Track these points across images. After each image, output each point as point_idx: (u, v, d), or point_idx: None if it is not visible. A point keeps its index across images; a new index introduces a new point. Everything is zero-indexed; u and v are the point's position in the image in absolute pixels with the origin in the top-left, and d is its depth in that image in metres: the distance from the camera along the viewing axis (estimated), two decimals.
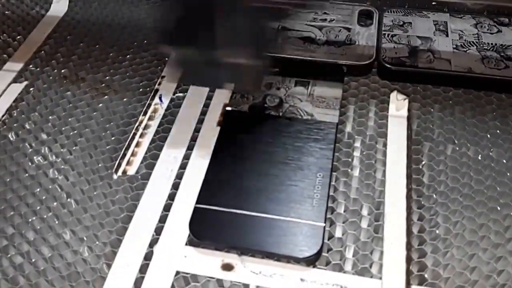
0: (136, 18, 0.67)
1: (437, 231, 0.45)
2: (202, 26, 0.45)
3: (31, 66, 0.61)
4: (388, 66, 0.57)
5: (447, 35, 0.60)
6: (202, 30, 0.45)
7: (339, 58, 0.58)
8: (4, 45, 0.64)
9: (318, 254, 0.43)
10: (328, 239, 0.45)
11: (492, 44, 0.59)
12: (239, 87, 0.53)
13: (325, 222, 0.45)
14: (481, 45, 0.59)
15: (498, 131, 0.52)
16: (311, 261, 0.43)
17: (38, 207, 0.48)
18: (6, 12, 0.69)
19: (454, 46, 0.59)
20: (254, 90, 0.55)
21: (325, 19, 0.63)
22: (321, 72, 0.57)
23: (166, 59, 0.58)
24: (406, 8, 0.64)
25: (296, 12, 0.61)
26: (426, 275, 0.43)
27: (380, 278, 0.43)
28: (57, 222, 0.47)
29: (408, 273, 0.43)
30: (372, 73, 0.58)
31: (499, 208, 0.46)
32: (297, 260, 0.43)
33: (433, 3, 0.64)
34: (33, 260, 0.44)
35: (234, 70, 0.47)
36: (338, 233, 0.45)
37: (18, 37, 0.65)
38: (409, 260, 0.43)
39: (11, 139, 0.53)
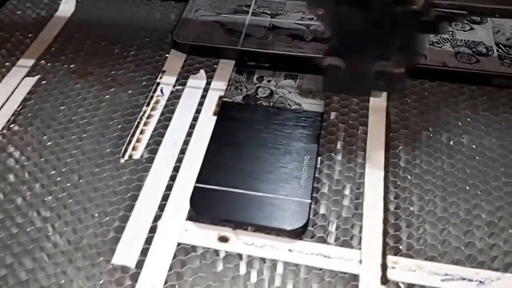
0: (139, 17, 0.71)
1: (411, 208, 0.50)
2: (362, 37, 0.48)
3: (42, 61, 0.65)
4: None
5: (436, 35, 0.64)
6: (363, 41, 0.48)
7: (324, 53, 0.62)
8: (17, 42, 0.68)
9: (304, 227, 0.48)
10: (314, 216, 0.49)
11: (465, 40, 0.63)
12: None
13: (311, 199, 0.49)
14: (455, 42, 0.63)
15: (469, 119, 0.57)
16: (298, 233, 0.48)
17: (53, 188, 0.52)
18: (18, 12, 0.73)
19: (430, 43, 0.63)
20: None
21: (312, 18, 0.67)
22: (308, 66, 0.61)
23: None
24: None
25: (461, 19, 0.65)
26: (401, 247, 0.47)
27: (360, 249, 0.47)
28: (70, 201, 0.51)
29: (385, 244, 0.47)
30: None
31: (467, 188, 0.51)
32: (285, 232, 0.48)
33: None
34: (49, 234, 0.49)
35: (386, 78, 0.50)
36: (322, 210, 0.50)
37: (30, 35, 0.69)
38: (385, 233, 0.48)
39: (26, 127, 0.58)
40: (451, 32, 0.64)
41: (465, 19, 0.66)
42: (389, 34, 0.47)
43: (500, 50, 0.63)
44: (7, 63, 0.65)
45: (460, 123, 0.56)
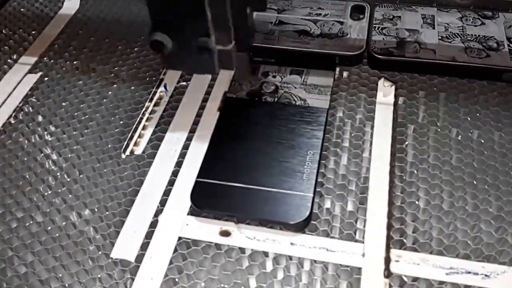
0: (143, 14, 0.71)
1: (417, 202, 0.49)
2: (193, 13, 0.46)
3: (45, 58, 0.65)
4: (377, 56, 0.60)
5: (433, 28, 0.63)
6: (193, 17, 0.46)
7: (331, 49, 0.61)
8: (20, 39, 0.68)
9: (307, 221, 0.47)
10: (318, 209, 0.48)
11: (475, 35, 0.62)
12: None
13: (314, 194, 0.48)
14: (465, 37, 0.62)
15: (478, 114, 0.56)
16: (301, 227, 0.47)
17: (53, 183, 0.52)
18: (22, 9, 0.72)
19: (440, 38, 0.62)
20: (243, 76, 0.58)
21: (320, 14, 0.66)
22: (315, 62, 0.60)
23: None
24: (397, 3, 0.67)
25: None
26: (405, 240, 0.46)
27: (363, 243, 0.46)
28: (70, 195, 0.50)
29: (389, 238, 0.46)
30: (363, 63, 0.61)
31: (475, 182, 0.50)
32: (288, 226, 0.47)
33: None
34: (49, 228, 0.48)
35: (210, 55, 0.48)
36: (327, 204, 0.49)
37: (33, 32, 0.69)
38: (389, 227, 0.47)
39: (28, 123, 0.57)
40: (461, 27, 0.63)
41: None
42: (202, 9, 0.45)
43: (511, 45, 0.61)
44: (9, 60, 0.65)
45: (469, 118, 0.55)
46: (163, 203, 0.49)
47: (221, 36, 0.46)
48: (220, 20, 0.45)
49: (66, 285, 0.45)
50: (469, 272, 0.44)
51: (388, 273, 0.44)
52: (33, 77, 0.62)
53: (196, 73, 0.59)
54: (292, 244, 0.46)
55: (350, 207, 0.49)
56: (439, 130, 0.54)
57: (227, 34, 0.46)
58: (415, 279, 0.44)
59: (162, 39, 0.46)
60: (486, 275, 0.44)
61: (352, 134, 0.54)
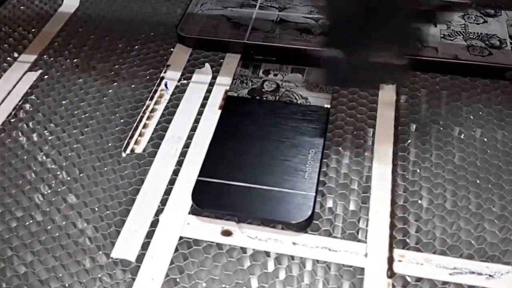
0: (143, 11, 0.71)
1: (420, 202, 0.48)
2: (359, 28, 0.46)
3: (45, 56, 0.64)
4: None
5: (435, 26, 0.63)
6: (359, 32, 0.46)
7: None
8: (20, 37, 0.67)
9: (309, 220, 0.46)
10: (320, 209, 0.48)
11: (478, 33, 0.62)
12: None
13: (316, 193, 0.48)
14: (467, 34, 0.62)
15: (481, 113, 0.55)
16: (303, 226, 0.47)
17: (53, 182, 0.51)
18: (21, 7, 0.72)
19: (442, 36, 0.62)
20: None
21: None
22: (317, 60, 0.59)
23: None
24: None
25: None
26: (408, 240, 0.46)
27: (366, 242, 0.46)
28: (70, 194, 0.50)
29: (392, 237, 0.46)
30: None
31: (478, 182, 0.49)
32: (289, 226, 0.47)
33: None
34: (48, 227, 0.48)
35: (385, 69, 0.48)
36: (328, 203, 0.49)
37: (33, 30, 0.68)
38: (392, 226, 0.47)
39: (28, 122, 0.57)
40: (463, 25, 0.63)
41: (467, 10, 0.65)
42: (388, 24, 0.46)
43: None
44: (9, 58, 0.64)
45: (472, 117, 0.55)
46: (164, 202, 0.49)
47: (395, 50, 0.47)
48: (398, 34, 0.46)
49: (66, 285, 0.44)
50: (473, 272, 0.43)
51: (391, 273, 0.43)
52: (33, 75, 0.62)
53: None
54: (294, 244, 0.46)
55: (352, 206, 0.48)
56: (441, 128, 0.54)
57: (402, 48, 0.47)
58: (419, 279, 0.43)
59: (336, 54, 0.47)
60: (490, 275, 0.43)
61: (354, 133, 0.54)
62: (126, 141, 0.54)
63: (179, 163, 0.52)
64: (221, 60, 0.63)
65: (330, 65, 0.49)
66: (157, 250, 0.46)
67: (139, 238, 0.47)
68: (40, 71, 0.62)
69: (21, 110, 0.58)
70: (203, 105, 0.57)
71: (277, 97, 0.57)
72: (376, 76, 0.49)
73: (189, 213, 0.48)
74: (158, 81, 0.60)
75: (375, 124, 0.55)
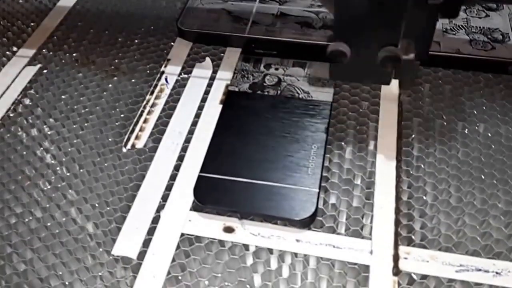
0: (143, 5, 0.70)
1: (425, 198, 0.48)
2: (368, 21, 0.45)
3: (44, 50, 0.64)
4: None
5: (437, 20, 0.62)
6: (369, 25, 0.45)
7: None
8: (19, 31, 0.67)
9: (312, 217, 0.46)
10: (323, 205, 0.47)
11: (480, 27, 0.62)
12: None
13: (319, 189, 0.47)
14: (470, 29, 0.61)
15: (484, 108, 0.55)
16: (306, 223, 0.46)
17: (53, 178, 0.51)
18: (20, 1, 0.71)
19: (444, 30, 0.61)
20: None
21: (322, 5, 0.65)
22: (317, 54, 0.59)
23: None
24: None
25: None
26: (413, 237, 0.45)
27: (370, 239, 0.45)
28: (70, 190, 0.50)
29: (397, 234, 0.45)
30: None
31: (483, 177, 0.49)
32: (293, 222, 0.46)
33: None
34: (48, 224, 0.47)
35: (394, 64, 0.47)
36: (332, 199, 0.48)
37: (32, 24, 0.68)
38: (397, 223, 0.46)
39: (27, 117, 0.56)
40: (465, 19, 0.62)
41: (477, 3, 0.64)
42: (396, 18, 0.45)
43: None
44: (8, 52, 0.64)
45: (475, 111, 0.54)
46: (165, 198, 0.49)
47: (405, 45, 0.46)
48: (409, 29, 0.45)
49: (67, 283, 0.44)
50: (480, 270, 0.43)
51: (396, 271, 0.43)
52: (32, 70, 0.61)
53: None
54: (297, 240, 0.45)
55: (356, 202, 0.48)
56: (445, 123, 0.53)
57: (412, 43, 0.46)
58: (424, 276, 0.43)
59: (343, 49, 0.45)
60: (497, 273, 0.43)
61: (357, 128, 0.53)
62: (126, 136, 0.54)
63: (180, 158, 0.52)
64: (222, 54, 0.62)
65: (337, 59, 0.48)
66: (158, 247, 0.45)
67: (140, 235, 0.46)
68: (39, 65, 0.62)
69: (20, 105, 0.57)
70: (204, 100, 0.57)
71: (279, 91, 0.56)
72: (383, 72, 0.49)
73: (190, 210, 0.48)
74: (159, 75, 0.60)
75: (378, 119, 0.54)
